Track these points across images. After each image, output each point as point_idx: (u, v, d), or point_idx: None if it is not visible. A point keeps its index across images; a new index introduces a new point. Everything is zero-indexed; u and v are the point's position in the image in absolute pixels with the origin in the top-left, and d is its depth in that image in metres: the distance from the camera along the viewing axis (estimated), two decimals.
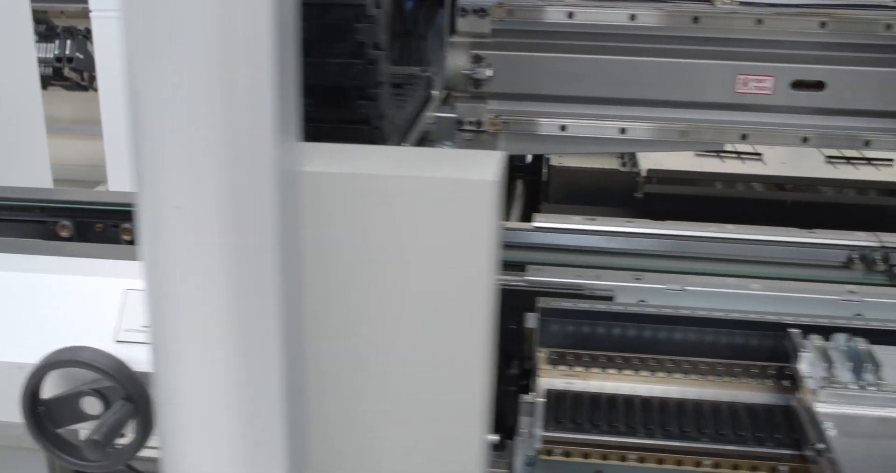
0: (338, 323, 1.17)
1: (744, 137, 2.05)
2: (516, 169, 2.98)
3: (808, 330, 1.82)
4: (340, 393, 1.19)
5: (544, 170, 2.94)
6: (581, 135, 2.09)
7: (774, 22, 1.98)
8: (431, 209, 1.11)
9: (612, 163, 2.96)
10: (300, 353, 1.15)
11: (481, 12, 2.04)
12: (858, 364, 1.73)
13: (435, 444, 1.22)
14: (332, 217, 1.13)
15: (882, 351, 1.78)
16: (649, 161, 2.77)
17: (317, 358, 1.18)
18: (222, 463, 1.13)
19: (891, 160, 2.80)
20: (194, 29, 0.98)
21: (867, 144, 2.04)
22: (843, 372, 1.72)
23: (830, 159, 2.86)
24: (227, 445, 1.12)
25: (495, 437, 1.40)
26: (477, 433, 1.22)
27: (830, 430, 1.58)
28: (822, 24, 1.96)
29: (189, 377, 1.13)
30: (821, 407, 1.64)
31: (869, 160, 2.85)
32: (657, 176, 2.72)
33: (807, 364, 1.74)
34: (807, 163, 2.85)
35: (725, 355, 1.88)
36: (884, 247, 2.20)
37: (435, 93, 1.92)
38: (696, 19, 1.99)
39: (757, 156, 2.88)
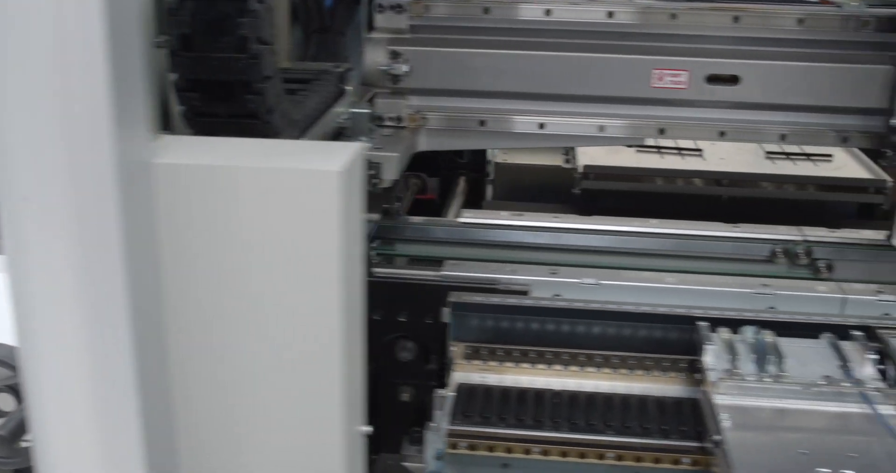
0: (195, 315, 1.17)
1: (661, 132, 2.06)
2: (459, 165, 2.99)
3: (718, 322, 1.83)
4: (200, 383, 1.20)
5: (488, 167, 2.95)
6: (500, 131, 2.10)
7: (689, 16, 1.98)
8: (278, 200, 1.11)
9: (555, 160, 2.96)
10: (158, 344, 1.15)
11: (398, 8, 2.04)
12: (762, 356, 1.74)
13: (297, 436, 1.22)
14: (187, 208, 1.13)
15: (788, 344, 1.79)
16: (587, 157, 2.78)
17: (176, 349, 1.18)
18: (82, 451, 1.13)
19: (829, 155, 2.81)
20: (28, 23, 0.98)
21: (783, 138, 2.04)
22: (747, 365, 1.72)
23: (770, 155, 2.86)
24: (85, 435, 1.13)
25: (368, 429, 1.40)
26: (338, 424, 1.22)
27: (726, 421, 1.59)
28: (736, 19, 1.97)
29: (47, 369, 1.13)
30: (719, 399, 1.65)
31: (808, 155, 2.86)
32: (594, 172, 2.72)
33: (711, 356, 1.75)
34: (746, 159, 2.86)
35: (638, 348, 1.89)
36: (806, 241, 2.21)
37: (349, 88, 1.92)
38: (610, 14, 1.99)
39: (697, 151, 2.88)
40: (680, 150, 2.88)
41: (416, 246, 2.21)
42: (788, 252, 2.21)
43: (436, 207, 2.84)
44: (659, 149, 2.89)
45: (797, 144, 2.08)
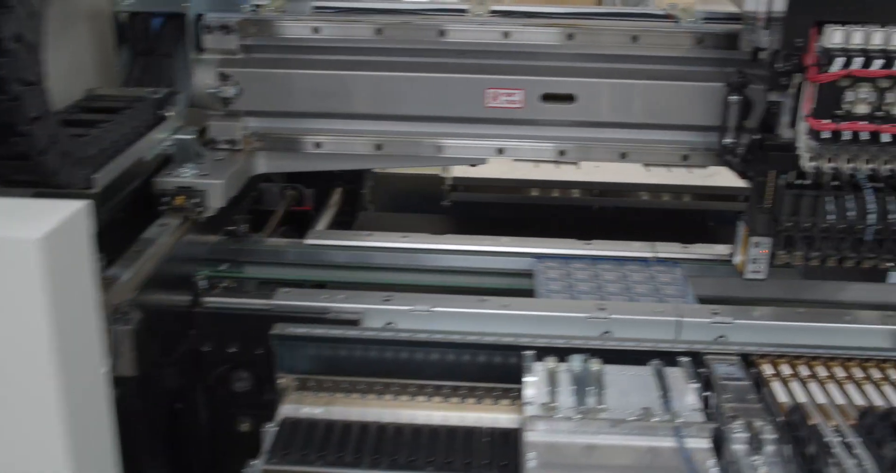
0: None
1: (500, 152, 2.01)
2: (335, 176, 2.93)
3: (547, 351, 1.79)
4: None
5: (365, 177, 2.89)
6: (337, 153, 2.04)
7: (522, 34, 1.93)
8: None
9: (434, 169, 2.91)
10: None
11: (226, 29, 1.97)
12: (582, 388, 1.70)
13: None
14: None
15: (615, 372, 1.76)
16: (458, 168, 2.73)
17: None
18: None
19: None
20: None
21: (624, 157, 2.00)
22: (566, 397, 1.69)
23: (648, 164, 2.83)
24: None
25: None
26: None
27: (531, 461, 1.55)
28: (570, 36, 1.92)
29: None
30: (530, 436, 1.61)
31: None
32: (463, 183, 2.68)
33: (531, 389, 1.71)
34: (623, 168, 2.82)
35: (471, 377, 1.85)
36: (657, 258, 2.18)
37: (170, 114, 1.86)
38: (442, 33, 1.94)
39: (573, 161, 2.84)
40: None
41: (260, 268, 2.15)
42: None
43: (310, 219, 2.79)
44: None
45: (637, 162, 2.04)
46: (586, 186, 2.73)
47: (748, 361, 1.79)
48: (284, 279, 2.07)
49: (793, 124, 1.72)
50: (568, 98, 1.95)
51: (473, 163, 2.10)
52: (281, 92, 2.01)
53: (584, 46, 1.93)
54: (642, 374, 1.76)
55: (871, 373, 1.77)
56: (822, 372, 1.76)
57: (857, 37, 1.59)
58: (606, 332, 1.89)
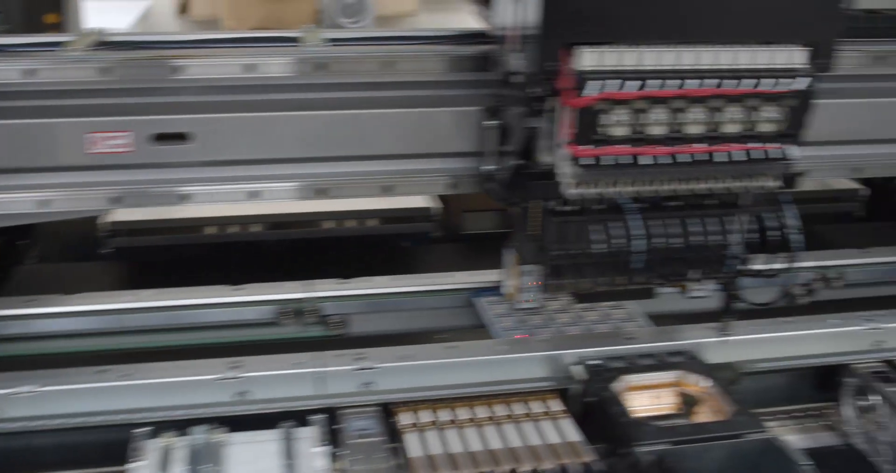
0: None
1: (116, 201, 1.80)
2: None
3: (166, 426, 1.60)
4: None
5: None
6: None
7: (125, 70, 1.72)
8: None
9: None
10: None
11: None
12: (196, 466, 1.52)
13: None
14: None
15: (242, 441, 1.59)
16: (118, 211, 2.49)
17: None
18: None
19: None
20: None
21: (387, 190, 1.82)
22: None
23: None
24: None
25: None
26: None
27: None
28: (174, 69, 1.73)
29: None
30: None
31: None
32: (124, 228, 2.44)
33: (144, 470, 1.51)
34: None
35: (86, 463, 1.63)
36: (315, 298, 2.03)
37: None
38: (31, 72, 1.70)
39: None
40: None
41: None
42: (298, 311, 2.04)
43: None
44: None
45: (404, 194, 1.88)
46: (268, 220, 2.55)
47: (388, 411, 1.68)
48: None
49: (552, 149, 1.59)
50: (181, 137, 1.76)
51: (83, 215, 1.87)
52: None
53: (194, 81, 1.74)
54: (270, 440, 1.61)
55: (533, 407, 1.71)
56: (463, 414, 1.67)
57: (610, 58, 1.48)
58: (242, 393, 1.72)
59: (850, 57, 1.92)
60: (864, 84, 2.03)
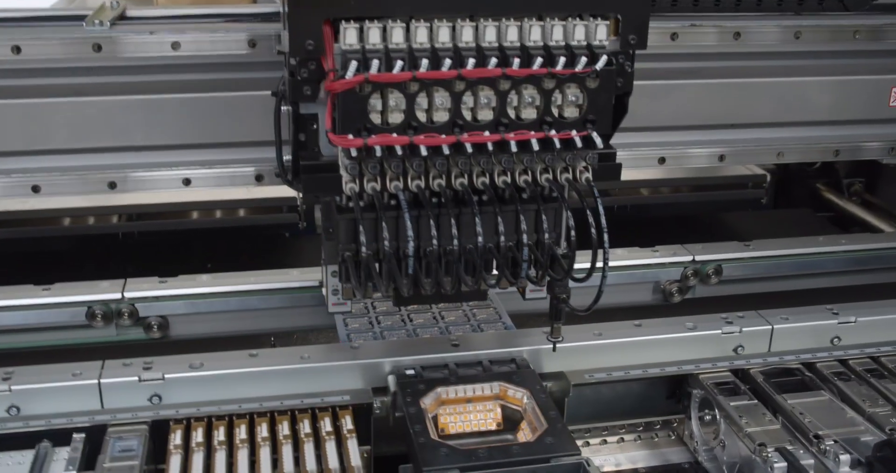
0: None
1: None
2: None
3: None
4: None
5: None
6: None
7: None
8: None
9: None
10: None
11: None
12: None
13: None
14: None
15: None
16: None
17: None
18: None
19: None
20: None
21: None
22: None
23: None
24: None
25: None
26: None
27: None
28: None
29: None
30: None
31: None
32: None
33: None
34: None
35: None
36: (129, 299, 1.87)
37: None
38: None
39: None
40: None
41: None
42: (109, 313, 1.87)
43: None
44: None
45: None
46: (123, 211, 2.38)
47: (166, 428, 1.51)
48: None
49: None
50: None
51: None
52: None
53: None
54: (21, 463, 1.45)
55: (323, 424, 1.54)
56: (242, 433, 1.50)
57: (375, 35, 1.27)
58: (11, 409, 1.54)
59: (768, 32, 1.83)
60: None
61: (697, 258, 2.05)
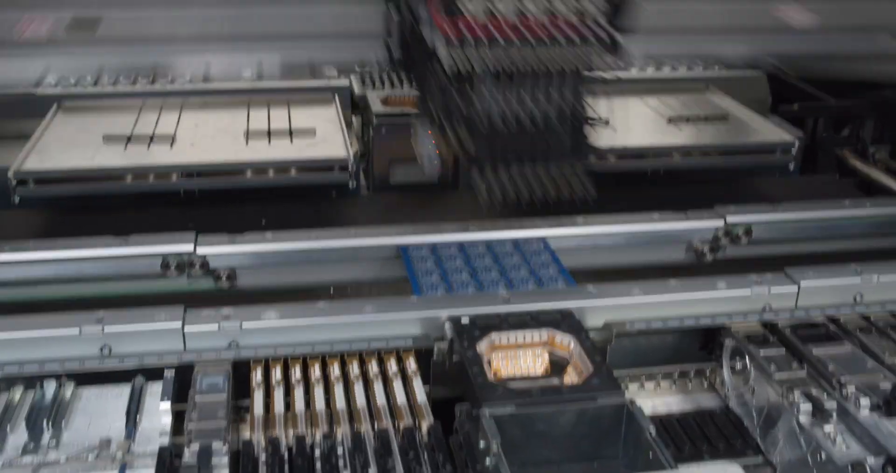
0: None
1: None
2: None
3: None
4: None
5: None
6: None
7: None
8: None
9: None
10: None
11: None
12: (37, 421, 1.53)
13: None
14: None
15: (91, 397, 1.60)
16: (35, 159, 2.45)
17: None
18: None
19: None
20: None
21: None
22: (18, 434, 1.51)
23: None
24: None
25: None
26: None
27: None
28: None
29: None
30: None
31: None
32: (34, 177, 2.39)
33: None
34: (223, 145, 2.63)
35: None
36: (192, 253, 2.02)
37: None
38: None
39: (167, 139, 2.62)
40: (151, 139, 2.63)
41: None
42: (183, 263, 2.02)
43: None
44: (129, 138, 2.63)
45: None
46: (185, 169, 2.51)
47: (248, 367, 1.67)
48: None
49: None
50: None
51: None
52: None
53: None
54: (119, 396, 1.61)
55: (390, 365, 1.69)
56: (316, 372, 1.66)
57: None
58: (104, 348, 1.70)
59: None
60: None
61: (729, 220, 2.18)
